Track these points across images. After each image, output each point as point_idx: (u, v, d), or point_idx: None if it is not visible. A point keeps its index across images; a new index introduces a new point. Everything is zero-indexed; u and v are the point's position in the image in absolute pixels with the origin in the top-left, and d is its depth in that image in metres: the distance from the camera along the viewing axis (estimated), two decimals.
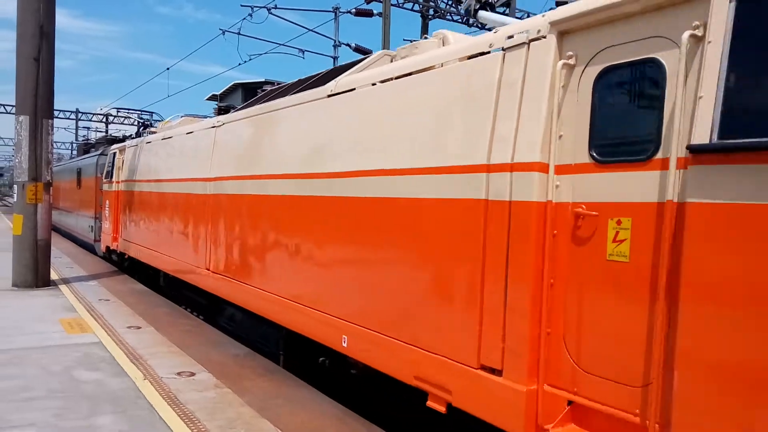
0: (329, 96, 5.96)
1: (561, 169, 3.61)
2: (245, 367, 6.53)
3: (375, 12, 15.69)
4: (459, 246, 4.10)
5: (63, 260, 15.11)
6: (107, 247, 15.34)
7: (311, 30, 16.60)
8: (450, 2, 17.23)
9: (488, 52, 4.15)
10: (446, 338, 4.19)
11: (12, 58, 10.54)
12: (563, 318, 3.55)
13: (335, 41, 16.97)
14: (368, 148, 5.17)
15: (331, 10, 16.12)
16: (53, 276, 11.59)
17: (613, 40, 3.39)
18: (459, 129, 4.21)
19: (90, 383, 5.62)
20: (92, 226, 18.30)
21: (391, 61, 5.79)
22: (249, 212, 7.35)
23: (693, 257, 2.84)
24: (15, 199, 10.91)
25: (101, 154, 18.19)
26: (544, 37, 3.71)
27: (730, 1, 2.82)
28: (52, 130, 10.94)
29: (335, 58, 17.80)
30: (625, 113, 3.36)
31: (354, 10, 15.67)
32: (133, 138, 15.45)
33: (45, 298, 9.86)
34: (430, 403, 4.34)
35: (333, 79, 6.15)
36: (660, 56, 3.12)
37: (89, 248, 19.06)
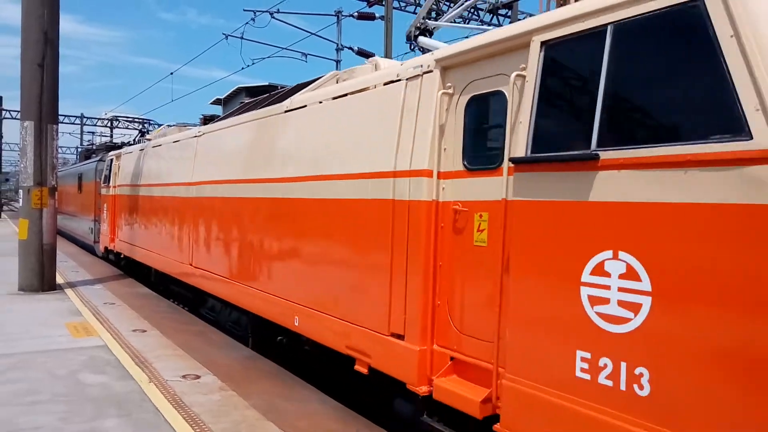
0: (286, 111, 6.84)
1: (445, 175, 4.52)
2: (250, 370, 6.55)
3: (377, 15, 15.72)
4: (375, 238, 5.01)
5: (68, 264, 15.18)
6: (105, 248, 16.24)
7: (313, 34, 16.61)
8: (451, 5, 17.25)
9: (398, 81, 5.02)
10: (367, 312, 5.08)
11: (17, 64, 10.62)
12: (448, 292, 4.45)
13: (338, 45, 16.98)
14: (314, 157, 6.07)
15: (334, 13, 16.13)
16: (59, 280, 11.65)
17: (477, 75, 4.33)
18: (377, 142, 5.09)
19: (95, 386, 5.65)
20: (92, 228, 19.06)
21: (337, 82, 6.55)
22: (223, 213, 8.27)
23: (514, 241, 3.72)
24: (20, 204, 10.98)
25: (100, 160, 19.03)
26: (432, 71, 4.64)
27: (540, 51, 3.68)
28: (57, 135, 11.01)
29: (338, 62, 17.85)
30: (484, 132, 4.32)
31: (356, 13, 15.68)
32: (131, 145, 16.36)
33: (51, 302, 9.90)
34: (357, 367, 5.17)
35: (292, 95, 7.03)
36: (504, 89, 4.03)
37: (90, 249, 19.74)
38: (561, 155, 3.44)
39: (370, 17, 15.96)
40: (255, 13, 15.59)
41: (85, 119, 48.42)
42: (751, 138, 2.62)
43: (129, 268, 14.33)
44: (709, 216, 2.75)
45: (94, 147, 28.89)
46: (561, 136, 3.55)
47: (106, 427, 4.67)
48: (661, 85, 3.11)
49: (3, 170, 49.57)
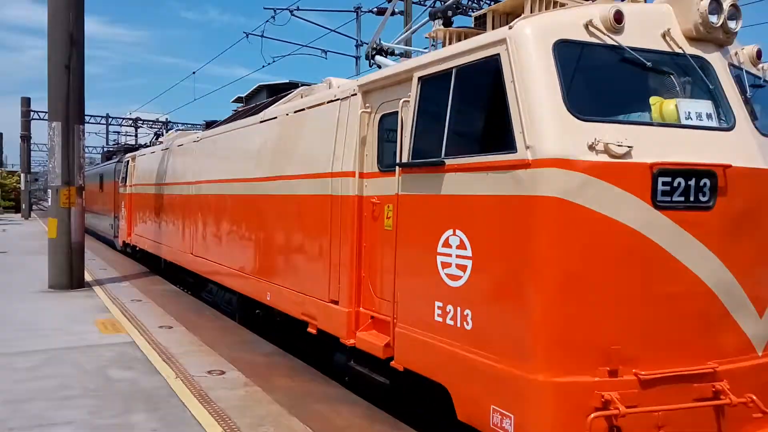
0: (260, 122, 8.17)
1: (367, 176, 5.72)
2: (273, 366, 6.63)
3: (396, 11, 15.67)
4: (320, 226, 6.29)
5: (97, 262, 15.47)
6: (123, 242, 17.81)
7: (333, 30, 16.61)
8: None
9: (336, 100, 6.26)
10: (315, 285, 6.35)
11: (44, 65, 10.83)
12: (370, 266, 5.61)
13: (357, 41, 16.97)
14: (280, 160, 7.40)
15: (353, 9, 16.10)
16: (87, 277, 11.89)
17: (385, 99, 5.51)
18: (323, 148, 6.32)
19: (124, 382, 5.77)
20: (112, 225, 20.55)
21: (302, 97, 7.70)
22: (215, 207, 9.80)
23: (402, 225, 4.96)
24: (49, 204, 11.23)
25: (118, 161, 20.41)
26: (356, 95, 5.87)
27: (417, 84, 4.88)
28: (84, 135, 11.22)
29: (357, 58, 17.82)
30: (389, 142, 5.42)
31: (375, 9, 15.66)
32: (146, 147, 18.00)
33: (80, 299, 10.12)
34: (309, 329, 6.40)
35: (268, 107, 8.42)
36: (401, 111, 5.08)
37: (111, 244, 21.10)
38: (425, 161, 4.69)
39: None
40: (275, 11, 15.64)
41: (110, 119, 49.26)
42: (516, 152, 3.79)
43: (145, 259, 15.48)
44: (497, 203, 3.99)
45: (115, 149, 30.12)
46: (428, 147, 4.68)
47: (135, 421, 4.78)
48: (478, 112, 4.49)
49: (32, 170, 50.76)
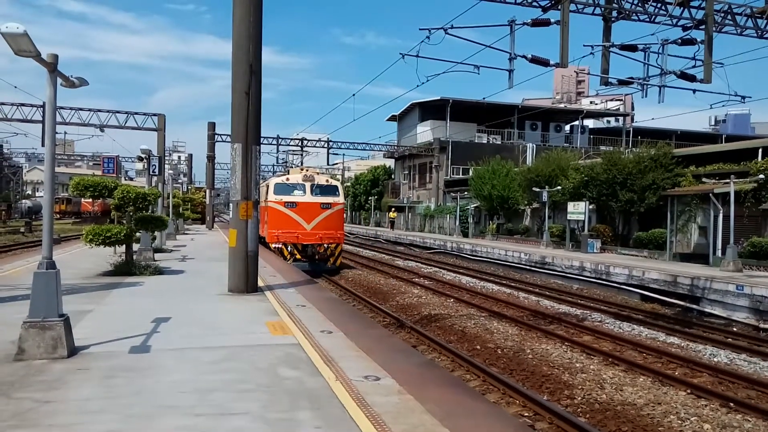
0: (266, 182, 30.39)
1: (263, 201, 25.92)
2: (426, 376, 6.74)
3: (552, 21, 15.24)
4: (262, 214, 25.23)
5: (267, 270, 16.95)
6: None
7: (488, 46, 16.55)
8: (636, 1, 16.07)
9: (267, 182, 28.41)
10: (264, 230, 25.98)
11: (224, 93, 12.23)
12: (264, 224, 25.93)
13: (511, 54, 16.71)
14: (263, 195, 26.55)
15: (507, 23, 15.92)
16: (260, 283, 13.07)
17: (268, 185, 28.97)
18: (263, 194, 26.24)
19: (291, 380, 6.26)
20: None
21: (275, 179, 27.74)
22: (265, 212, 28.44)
23: (265, 212, 26.07)
24: (231, 216, 12.59)
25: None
26: (265, 184, 28.45)
27: (267, 185, 28.46)
28: (260, 155, 12.44)
29: (510, 71, 17.53)
30: (266, 193, 27.76)
31: (531, 21, 15.36)
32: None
33: (254, 302, 11.16)
34: (266, 241, 25.42)
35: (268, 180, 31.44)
36: (265, 189, 28.26)
37: None
38: (265, 200, 26.46)
39: (545, 23, 15.50)
40: (430, 30, 16.01)
41: (280, 140, 53.94)
42: (267, 198, 26.23)
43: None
44: (267, 206, 25.81)
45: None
46: (264, 197, 26.83)
47: (301, 418, 5.17)
48: (270, 193, 26.00)
49: (215, 187, 57.25)
